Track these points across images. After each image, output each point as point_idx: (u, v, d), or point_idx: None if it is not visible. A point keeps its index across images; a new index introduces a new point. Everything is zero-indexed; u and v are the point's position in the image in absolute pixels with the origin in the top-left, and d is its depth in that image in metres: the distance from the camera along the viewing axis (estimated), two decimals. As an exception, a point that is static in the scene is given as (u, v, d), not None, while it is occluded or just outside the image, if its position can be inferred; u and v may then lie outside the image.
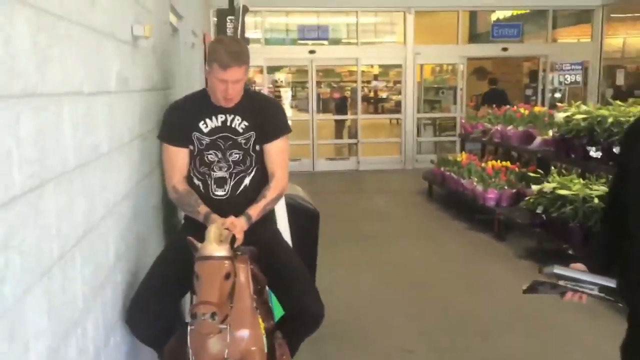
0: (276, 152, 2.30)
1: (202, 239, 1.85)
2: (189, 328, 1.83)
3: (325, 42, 10.91)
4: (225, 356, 1.83)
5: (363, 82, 15.45)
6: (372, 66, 16.09)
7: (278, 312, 2.33)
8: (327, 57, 10.92)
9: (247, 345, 1.94)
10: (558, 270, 1.75)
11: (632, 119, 3.91)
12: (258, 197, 2.22)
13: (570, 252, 4.53)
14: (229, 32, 5.68)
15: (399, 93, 11.42)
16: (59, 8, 1.46)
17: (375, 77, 17.45)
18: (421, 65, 11.08)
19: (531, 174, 5.66)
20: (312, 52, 10.50)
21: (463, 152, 7.71)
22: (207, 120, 2.25)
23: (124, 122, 2.16)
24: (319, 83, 12.51)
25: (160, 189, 2.78)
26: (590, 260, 1.86)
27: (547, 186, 4.90)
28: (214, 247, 1.80)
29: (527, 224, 5.33)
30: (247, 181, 2.25)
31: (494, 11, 11.78)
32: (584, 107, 5.03)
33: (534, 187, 5.18)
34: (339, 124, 12.08)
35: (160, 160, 2.72)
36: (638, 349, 1.80)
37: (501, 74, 14.00)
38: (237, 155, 2.23)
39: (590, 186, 4.73)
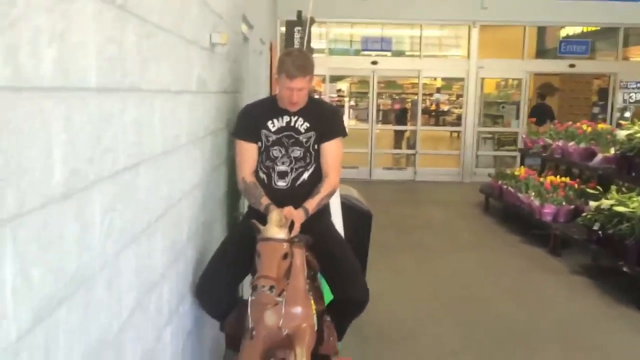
0: (331, 152, 2.53)
1: (264, 223, 2.09)
2: (249, 298, 2.07)
3: (388, 54, 11.08)
4: (280, 325, 2.05)
5: (425, 94, 15.50)
6: (435, 79, 16.13)
7: (328, 298, 2.54)
8: (388, 69, 11.08)
9: (299, 321, 2.15)
10: None
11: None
12: (313, 192, 2.44)
13: (625, 269, 4.49)
14: (296, 42, 5.98)
15: (461, 107, 11.42)
16: (157, 19, 1.74)
17: (438, 90, 17.45)
18: (482, 79, 11.03)
19: (590, 191, 5.62)
20: (374, 62, 10.70)
21: (522, 167, 7.67)
22: (275, 120, 2.51)
23: (200, 119, 2.44)
24: (380, 94, 12.69)
25: (226, 183, 3.06)
26: None
27: (605, 203, 4.87)
28: (275, 230, 2.03)
29: (583, 240, 5.29)
30: (305, 176, 2.49)
31: (563, 27, 11.59)
32: (646, 126, 4.98)
33: (592, 204, 5.15)
34: (398, 135, 12.20)
35: (227, 157, 3.01)
36: None
37: (569, 91, 13.72)
38: (299, 152, 2.48)
39: (649, 204, 4.67)
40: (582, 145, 6.31)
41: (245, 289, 2.77)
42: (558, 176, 6.77)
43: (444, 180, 10.61)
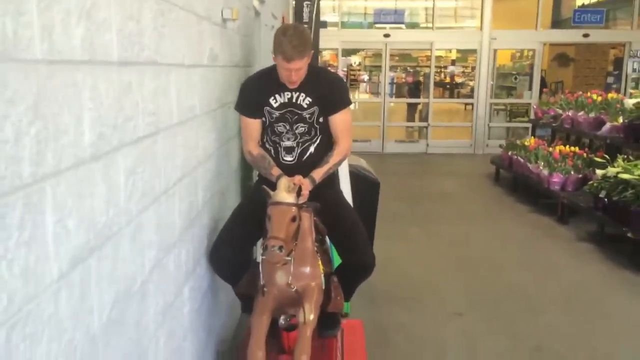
0: (341, 122, 2.58)
1: (274, 189, 2.24)
2: (261, 258, 2.22)
3: (402, 26, 11.05)
4: (289, 282, 2.22)
5: (440, 67, 15.40)
6: (449, 51, 16.01)
7: (336, 263, 2.69)
8: (401, 41, 11.06)
9: (308, 280, 2.31)
10: None
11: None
12: (321, 162, 2.53)
13: (629, 235, 4.58)
14: (306, 16, 6.05)
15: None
16: (171, -4, 1.87)
17: (453, 62, 17.33)
18: (495, 50, 10.97)
19: (598, 160, 5.68)
20: (386, 35, 10.69)
21: (532, 137, 7.72)
22: (277, 95, 2.53)
23: (212, 92, 2.57)
24: (394, 67, 12.67)
25: (237, 154, 3.20)
26: None
27: (611, 171, 4.94)
28: (284, 195, 2.18)
29: (589, 208, 5.38)
30: (312, 149, 2.56)
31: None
32: (655, 94, 5.01)
33: (598, 172, 5.22)
34: (411, 108, 12.23)
35: (240, 130, 3.13)
36: None
37: (584, 61, 13.57)
38: (303, 128, 2.53)
39: (655, 172, 4.73)
40: (592, 114, 6.34)
41: (259, 252, 2.93)
42: (567, 146, 6.82)
43: (456, 152, 10.67)
